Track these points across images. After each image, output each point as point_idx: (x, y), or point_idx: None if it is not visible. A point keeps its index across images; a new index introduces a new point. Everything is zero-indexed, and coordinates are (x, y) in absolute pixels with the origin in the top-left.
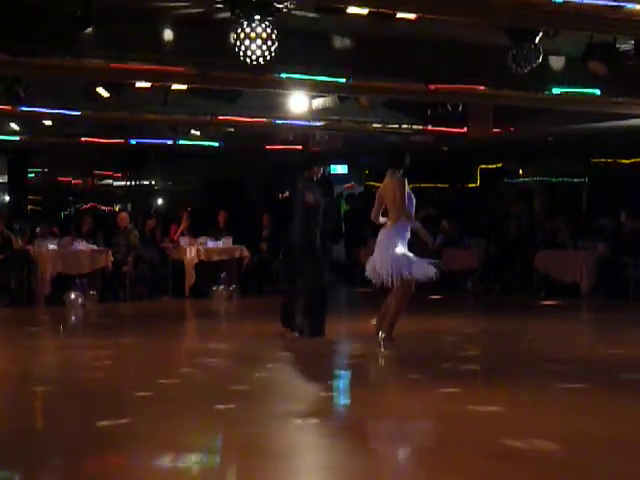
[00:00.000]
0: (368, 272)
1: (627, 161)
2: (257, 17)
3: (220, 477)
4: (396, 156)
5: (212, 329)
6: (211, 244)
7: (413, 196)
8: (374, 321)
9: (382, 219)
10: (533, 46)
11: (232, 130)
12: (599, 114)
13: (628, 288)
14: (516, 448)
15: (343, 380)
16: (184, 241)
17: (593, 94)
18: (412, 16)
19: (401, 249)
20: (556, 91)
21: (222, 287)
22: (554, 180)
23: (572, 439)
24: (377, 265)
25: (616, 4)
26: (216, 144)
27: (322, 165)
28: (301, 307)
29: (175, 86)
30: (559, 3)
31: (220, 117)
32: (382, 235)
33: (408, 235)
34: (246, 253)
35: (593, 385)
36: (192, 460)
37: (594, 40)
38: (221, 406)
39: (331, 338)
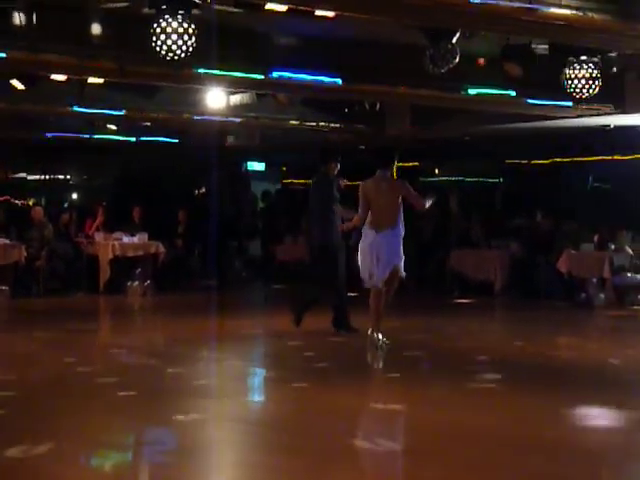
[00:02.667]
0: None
1: (541, 162)
2: (179, 12)
3: (133, 474)
4: (387, 155)
5: (125, 325)
6: (126, 240)
7: None
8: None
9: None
10: (450, 46)
11: (149, 125)
12: (514, 115)
13: (540, 287)
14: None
15: (258, 377)
16: (99, 236)
17: (508, 95)
18: (331, 14)
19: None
20: (472, 92)
21: (137, 283)
22: (469, 180)
23: (471, 437)
24: (385, 266)
25: (531, 7)
26: (132, 139)
27: (339, 160)
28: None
29: (92, 80)
30: (476, 4)
31: (137, 112)
32: (385, 237)
33: None
34: (162, 249)
35: (502, 383)
36: (104, 457)
37: (510, 42)
38: (128, 401)
39: (249, 335)
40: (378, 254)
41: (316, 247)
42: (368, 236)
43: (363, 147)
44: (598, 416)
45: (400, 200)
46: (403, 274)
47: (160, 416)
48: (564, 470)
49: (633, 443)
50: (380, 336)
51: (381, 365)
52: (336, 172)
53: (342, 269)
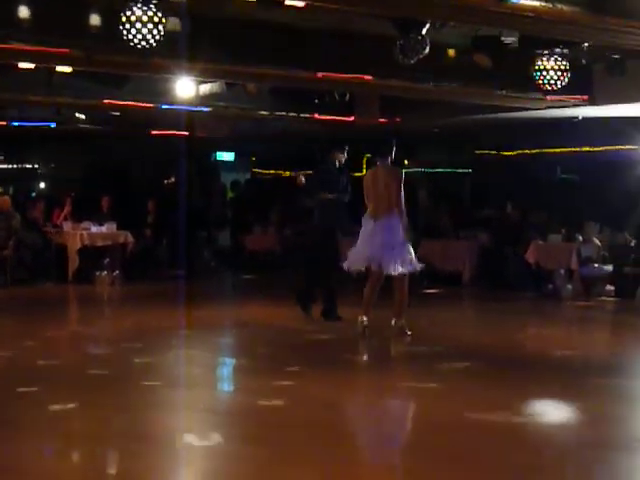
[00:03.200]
0: (361, 260)
1: (510, 153)
2: (148, 0)
3: (102, 464)
4: (385, 144)
5: (93, 315)
6: (95, 229)
7: None
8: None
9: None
10: (420, 37)
11: (118, 114)
12: (483, 106)
13: (508, 278)
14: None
15: (227, 367)
16: (67, 226)
17: (478, 86)
18: (301, 4)
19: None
20: (442, 82)
21: (105, 273)
22: (439, 171)
23: (438, 426)
24: (382, 254)
25: None
26: (101, 128)
27: (344, 150)
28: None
29: (60, 68)
30: None
31: (106, 101)
32: (382, 225)
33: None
34: (130, 239)
35: (469, 373)
36: (69, 446)
37: (480, 33)
38: (93, 390)
39: (218, 324)
40: (382, 241)
41: (322, 232)
42: (367, 225)
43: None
44: (561, 406)
45: (396, 189)
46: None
47: (127, 405)
48: (531, 459)
49: (596, 433)
50: (365, 319)
51: (351, 356)
52: (343, 161)
53: (339, 257)
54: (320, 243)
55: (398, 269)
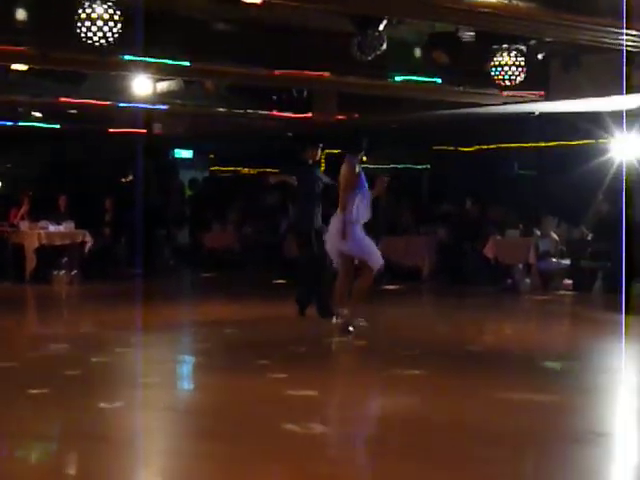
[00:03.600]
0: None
1: (468, 149)
2: None
3: (61, 464)
4: (353, 139)
5: (51, 315)
6: (52, 228)
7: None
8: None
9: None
10: (377, 34)
11: (75, 112)
12: (441, 102)
13: (467, 273)
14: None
15: (187, 365)
16: (24, 225)
17: (435, 82)
18: (258, 0)
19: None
20: (399, 79)
21: (63, 272)
22: (398, 167)
23: (399, 421)
24: (350, 248)
25: None
26: (58, 126)
27: (320, 147)
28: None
29: (15, 66)
30: None
31: (63, 99)
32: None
33: None
34: (88, 238)
35: (427, 368)
36: (29, 448)
37: (436, 29)
38: (50, 391)
39: (177, 323)
40: (335, 236)
41: (303, 234)
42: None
43: (290, 134)
44: (520, 399)
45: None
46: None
47: (85, 405)
48: (487, 452)
49: (553, 426)
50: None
51: (310, 352)
52: (317, 158)
53: (317, 258)
54: (312, 243)
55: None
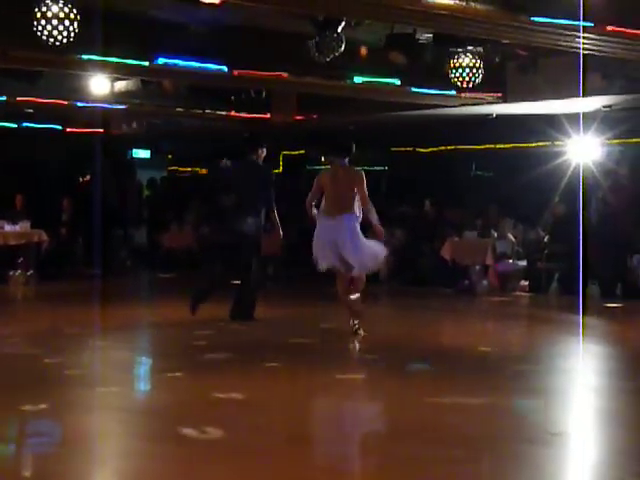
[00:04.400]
0: (326, 259)
1: (426, 150)
2: None
3: (13, 466)
4: (344, 143)
5: (6, 315)
6: (8, 228)
7: None
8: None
9: (314, 210)
10: (335, 35)
11: (32, 112)
12: (399, 104)
13: (424, 274)
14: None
15: (141, 367)
16: None
17: (393, 84)
18: (217, 0)
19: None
20: (357, 80)
21: (19, 272)
22: (355, 168)
23: (345, 423)
24: (346, 253)
25: None
26: (14, 125)
27: (265, 147)
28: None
29: None
30: None
31: (19, 98)
32: (342, 224)
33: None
34: (45, 237)
35: (378, 370)
36: None
37: (394, 31)
38: (5, 390)
39: (134, 324)
40: (336, 240)
41: (241, 234)
42: (322, 222)
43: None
44: (474, 400)
45: (362, 191)
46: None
47: (39, 407)
48: (445, 453)
49: (510, 427)
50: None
51: (265, 354)
52: (263, 158)
53: (257, 259)
54: (243, 246)
55: (356, 268)
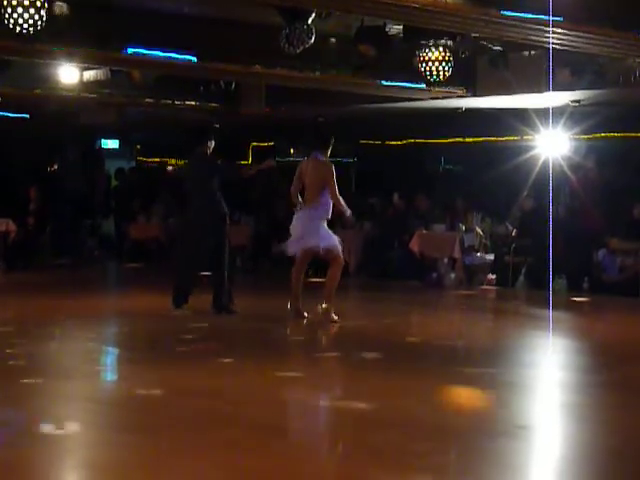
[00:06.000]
0: (296, 246)
1: (395, 143)
2: None
3: None
4: (322, 136)
5: None
6: None
7: None
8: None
9: (299, 199)
10: (306, 27)
11: None
12: (368, 96)
13: (393, 267)
14: None
15: (109, 357)
16: None
17: (362, 76)
18: None
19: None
20: (326, 72)
21: None
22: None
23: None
24: (316, 240)
25: None
26: None
27: (214, 139)
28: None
29: None
30: None
31: None
32: (312, 214)
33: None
34: (12, 227)
35: (343, 362)
36: None
37: (364, 23)
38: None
39: (99, 314)
40: (295, 229)
41: (196, 226)
42: (298, 212)
43: (217, 126)
44: (441, 394)
45: (332, 184)
46: (337, 254)
47: (3, 397)
48: (414, 446)
49: (478, 420)
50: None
51: (232, 345)
52: (211, 150)
53: (226, 249)
54: (201, 237)
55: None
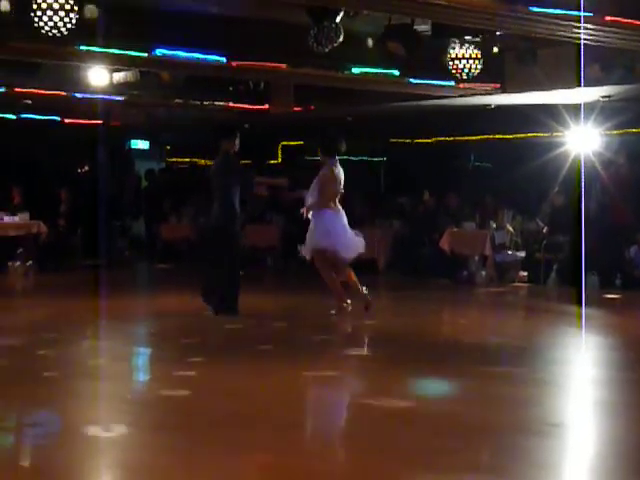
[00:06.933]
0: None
1: (425, 141)
2: None
3: (13, 456)
4: (330, 142)
5: (5, 305)
6: (7, 219)
7: None
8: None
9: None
10: (334, 25)
11: (30, 103)
12: (398, 94)
13: (423, 265)
14: None
15: (143, 356)
16: None
17: (391, 75)
18: None
19: None
20: (356, 71)
21: (19, 263)
22: (354, 159)
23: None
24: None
25: None
26: (13, 117)
27: (237, 137)
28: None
29: None
30: None
31: (17, 89)
32: (335, 216)
33: None
34: (43, 228)
35: (376, 360)
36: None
37: (393, 21)
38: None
39: (130, 315)
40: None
41: (215, 228)
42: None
43: (247, 126)
44: (474, 391)
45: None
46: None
47: (37, 397)
48: (445, 443)
49: (510, 417)
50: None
51: (261, 345)
52: (236, 149)
53: (234, 250)
54: (216, 239)
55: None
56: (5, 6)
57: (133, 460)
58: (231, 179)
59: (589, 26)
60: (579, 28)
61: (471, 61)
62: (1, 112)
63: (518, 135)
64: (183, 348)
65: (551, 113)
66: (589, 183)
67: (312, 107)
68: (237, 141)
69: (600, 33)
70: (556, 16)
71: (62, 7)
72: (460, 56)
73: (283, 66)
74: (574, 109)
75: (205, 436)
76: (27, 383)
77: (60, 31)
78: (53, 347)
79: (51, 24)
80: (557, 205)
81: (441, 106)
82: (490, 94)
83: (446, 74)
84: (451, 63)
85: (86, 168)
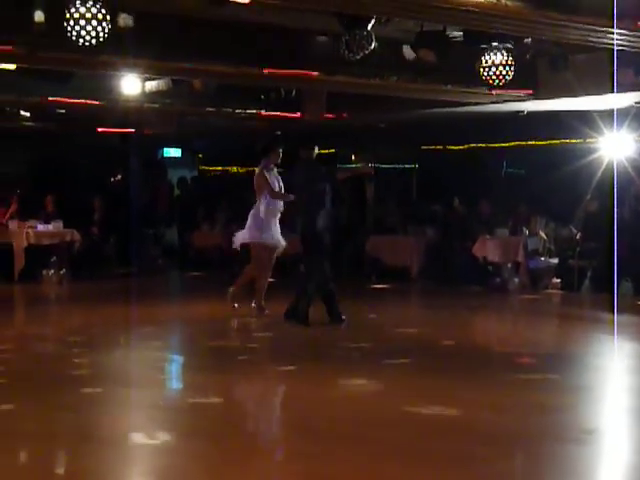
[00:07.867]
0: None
1: (457, 147)
2: None
3: (50, 463)
4: (268, 145)
5: (39, 314)
6: (41, 227)
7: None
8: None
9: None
10: (365, 33)
11: (63, 112)
12: (430, 101)
13: (455, 272)
14: None
15: (175, 364)
16: (13, 224)
17: (423, 81)
18: (246, 0)
19: None
20: (387, 78)
21: (52, 271)
22: (385, 166)
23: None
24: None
25: None
26: (46, 126)
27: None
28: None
29: (3, 65)
30: None
31: (51, 98)
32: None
33: None
34: (77, 237)
35: (411, 367)
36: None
37: (424, 28)
38: (41, 388)
39: (164, 322)
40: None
41: (302, 238)
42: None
43: (279, 133)
44: (508, 398)
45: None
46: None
47: (73, 405)
48: (479, 450)
49: (545, 425)
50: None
51: (296, 352)
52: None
53: (314, 262)
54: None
55: None
56: (40, 17)
57: (166, 466)
58: (324, 185)
59: (622, 31)
60: (612, 34)
61: (503, 67)
62: (34, 121)
63: (551, 141)
64: (215, 356)
65: (584, 119)
66: (622, 189)
67: (345, 114)
68: (316, 148)
69: (633, 38)
70: (589, 22)
71: (95, 17)
72: (492, 62)
73: (315, 74)
74: (607, 115)
75: (237, 443)
76: (61, 390)
77: (93, 41)
78: (87, 354)
79: (83, 33)
80: (590, 211)
81: (473, 113)
82: (522, 100)
83: (478, 80)
84: (483, 69)
85: (119, 176)
